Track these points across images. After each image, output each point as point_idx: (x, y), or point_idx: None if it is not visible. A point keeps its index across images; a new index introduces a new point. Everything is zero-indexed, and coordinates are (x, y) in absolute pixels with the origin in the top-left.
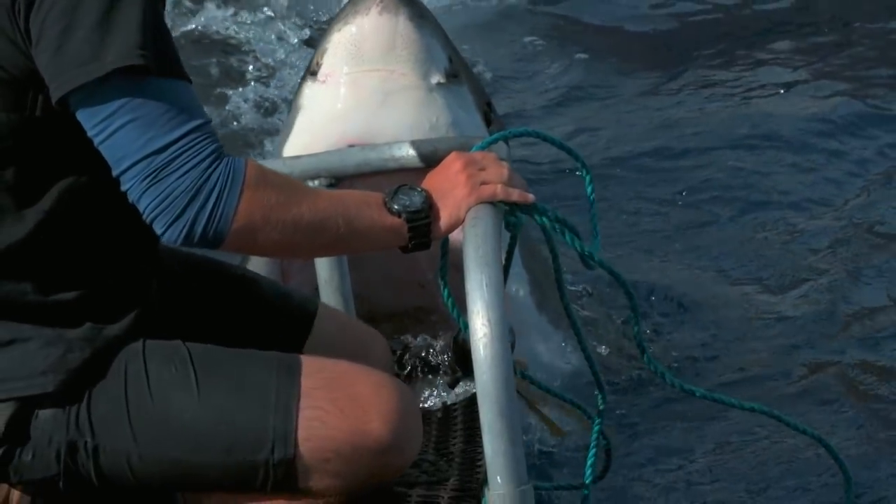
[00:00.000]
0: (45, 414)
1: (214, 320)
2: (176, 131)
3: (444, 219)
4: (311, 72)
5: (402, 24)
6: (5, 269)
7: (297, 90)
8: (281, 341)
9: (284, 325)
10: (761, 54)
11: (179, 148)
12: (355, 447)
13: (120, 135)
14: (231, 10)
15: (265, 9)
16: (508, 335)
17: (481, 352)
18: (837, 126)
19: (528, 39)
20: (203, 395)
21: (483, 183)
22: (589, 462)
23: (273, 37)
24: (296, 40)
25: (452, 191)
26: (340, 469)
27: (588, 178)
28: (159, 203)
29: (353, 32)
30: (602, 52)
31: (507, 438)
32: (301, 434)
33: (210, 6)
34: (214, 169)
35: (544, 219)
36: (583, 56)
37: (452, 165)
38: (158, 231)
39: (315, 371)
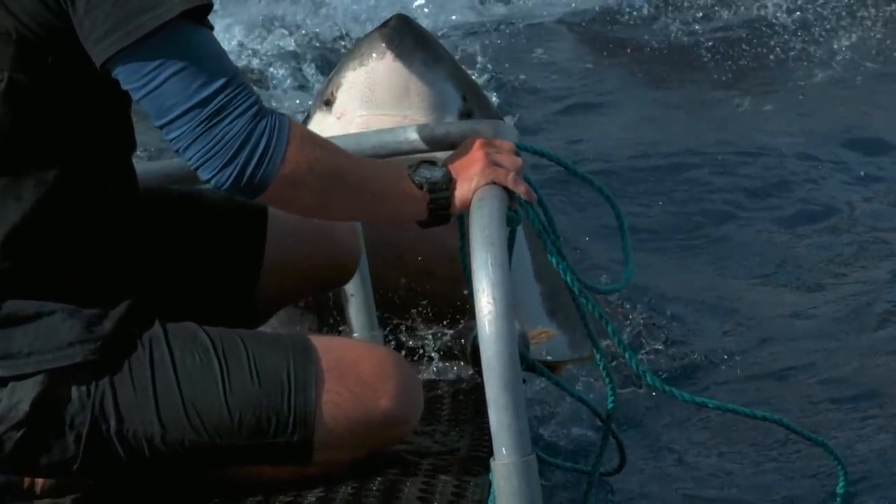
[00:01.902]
0: (69, 395)
1: (179, 244)
2: (221, 78)
3: (460, 193)
4: (326, 101)
5: (416, 71)
6: (23, 240)
7: (311, 115)
8: (243, 246)
9: (241, 226)
10: (777, 66)
11: (227, 95)
12: (367, 424)
13: (170, 83)
14: (251, 42)
15: (287, 39)
16: (520, 339)
17: (486, 329)
18: (847, 138)
19: (540, 52)
20: (227, 382)
21: (497, 165)
22: (599, 454)
23: (293, 69)
24: (316, 77)
25: (468, 167)
26: (351, 442)
27: (617, 211)
28: (210, 149)
29: (367, 75)
30: (618, 66)
31: (512, 412)
32: (318, 416)
33: (233, 36)
34: (262, 117)
35: (537, 222)
36: (601, 68)
37: (471, 145)
38: (206, 176)
39: (324, 352)
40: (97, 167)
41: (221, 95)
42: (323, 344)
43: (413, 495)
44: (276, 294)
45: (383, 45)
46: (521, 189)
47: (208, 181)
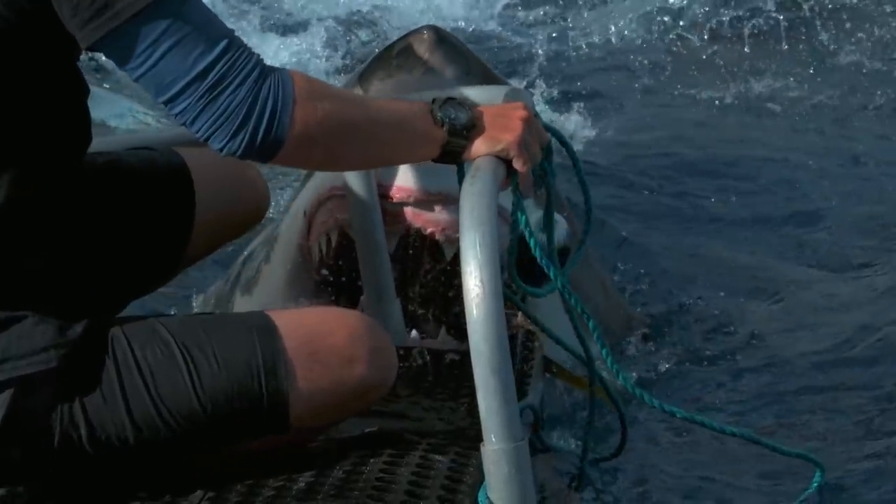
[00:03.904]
0: (39, 406)
1: (109, 215)
2: (219, 45)
3: (477, 147)
4: None
5: (446, 85)
6: None
7: None
8: (175, 207)
9: (170, 187)
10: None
11: (227, 61)
12: (342, 393)
13: (168, 58)
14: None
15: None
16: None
17: (474, 312)
18: (865, 133)
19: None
20: (194, 373)
21: (526, 149)
22: (586, 440)
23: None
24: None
25: (501, 131)
26: (328, 411)
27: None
28: (218, 118)
29: (395, 86)
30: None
31: (501, 396)
32: (292, 394)
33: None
34: (265, 79)
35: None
36: (623, 64)
37: (517, 111)
38: (217, 146)
39: (291, 330)
40: (59, 162)
41: (221, 63)
42: (290, 319)
43: (405, 479)
44: (205, 245)
45: (414, 57)
46: (524, 180)
47: (220, 150)
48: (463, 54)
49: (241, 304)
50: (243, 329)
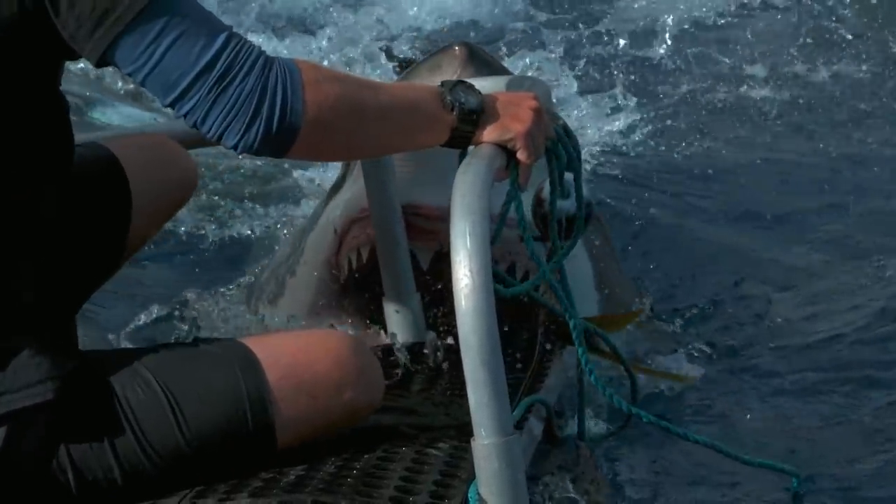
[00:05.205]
0: (29, 447)
1: (60, 216)
2: (220, 37)
3: (484, 134)
4: None
5: None
6: None
7: None
8: (110, 197)
9: (102, 178)
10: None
11: (231, 52)
12: (330, 418)
13: (172, 53)
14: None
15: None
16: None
17: (463, 302)
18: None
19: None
20: (179, 413)
21: (533, 142)
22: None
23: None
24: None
25: (513, 121)
26: (316, 434)
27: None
28: (230, 110)
29: None
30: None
31: (491, 389)
32: (279, 423)
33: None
34: (271, 67)
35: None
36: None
37: (530, 101)
38: (231, 142)
39: (273, 361)
40: (45, 175)
41: (225, 54)
42: (272, 350)
43: (397, 475)
44: (144, 230)
45: (445, 73)
46: (525, 173)
47: (234, 146)
48: (494, 70)
49: (266, 316)
50: (224, 363)
